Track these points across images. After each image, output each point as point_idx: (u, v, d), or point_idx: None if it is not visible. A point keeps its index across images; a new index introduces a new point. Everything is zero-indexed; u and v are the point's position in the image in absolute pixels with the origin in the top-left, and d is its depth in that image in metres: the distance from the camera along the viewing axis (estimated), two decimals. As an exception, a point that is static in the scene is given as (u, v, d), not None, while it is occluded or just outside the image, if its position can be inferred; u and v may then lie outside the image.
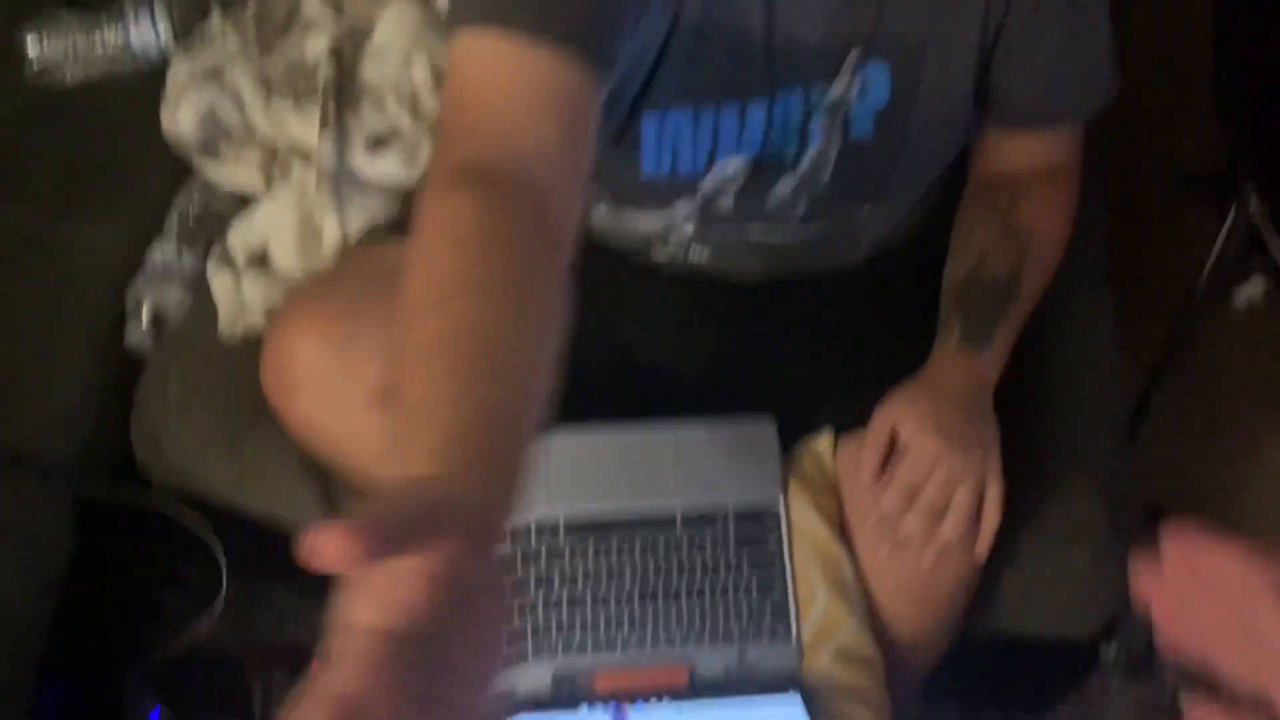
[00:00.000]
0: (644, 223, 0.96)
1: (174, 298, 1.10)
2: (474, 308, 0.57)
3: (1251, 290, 1.48)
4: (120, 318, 1.09)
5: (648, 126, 0.85)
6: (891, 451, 0.86)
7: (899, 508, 0.85)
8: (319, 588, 1.32)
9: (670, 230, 0.96)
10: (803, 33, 0.83)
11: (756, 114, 0.86)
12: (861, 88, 0.86)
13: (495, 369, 0.55)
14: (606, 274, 1.04)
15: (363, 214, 1.09)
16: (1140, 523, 1.41)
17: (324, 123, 1.08)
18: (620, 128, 0.85)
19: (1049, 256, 0.95)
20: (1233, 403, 1.57)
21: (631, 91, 0.83)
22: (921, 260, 1.00)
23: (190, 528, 1.09)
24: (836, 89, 0.86)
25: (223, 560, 1.12)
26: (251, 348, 0.99)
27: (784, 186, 0.91)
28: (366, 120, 1.11)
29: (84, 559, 1.07)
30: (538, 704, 0.86)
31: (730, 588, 0.89)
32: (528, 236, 0.62)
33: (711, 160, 0.88)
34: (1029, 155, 0.97)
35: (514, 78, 0.68)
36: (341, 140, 1.09)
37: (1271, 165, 1.28)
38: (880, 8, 0.82)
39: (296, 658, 1.27)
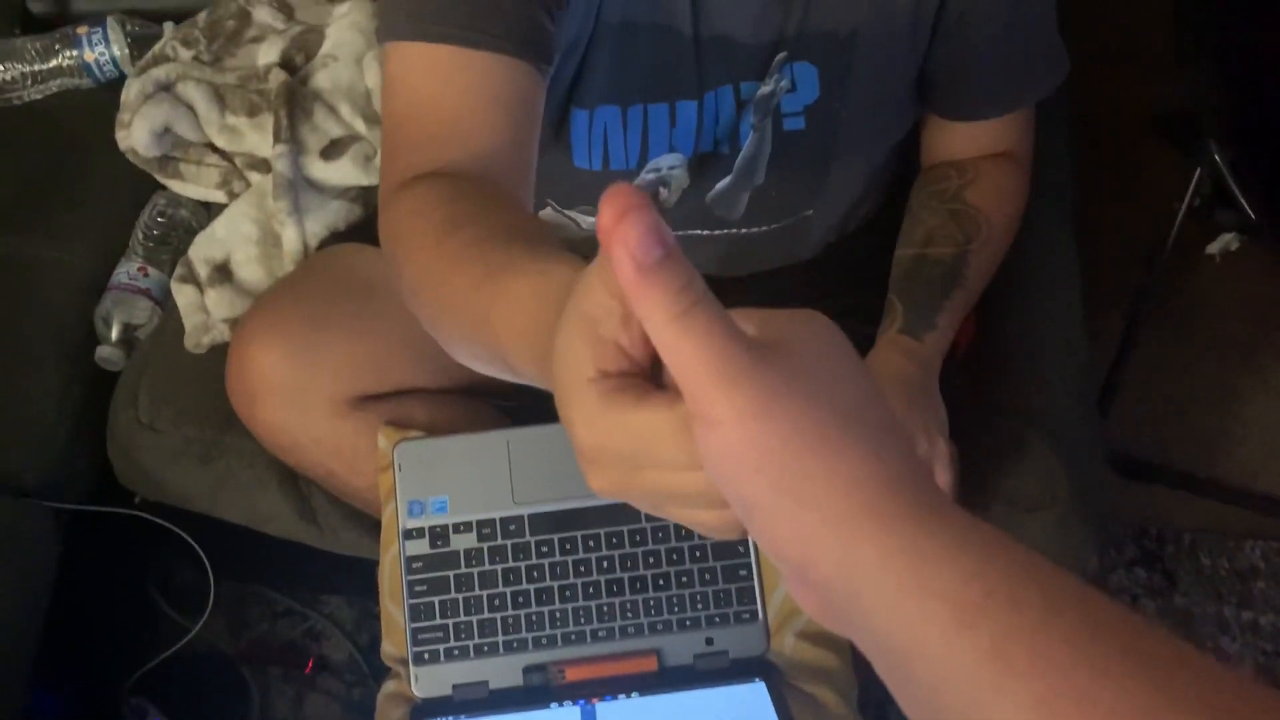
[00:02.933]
0: (588, 224, 0.96)
1: (141, 313, 1.11)
2: (482, 228, 0.59)
3: (1225, 238, 1.48)
4: (90, 334, 1.11)
5: (578, 122, 0.85)
6: None
7: None
8: (305, 585, 1.34)
9: None
10: (730, 32, 0.83)
11: (687, 112, 0.86)
12: (791, 83, 0.86)
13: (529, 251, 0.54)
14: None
15: (322, 221, 1.09)
16: (1117, 475, 1.43)
17: (277, 133, 1.09)
18: (553, 122, 0.86)
19: (998, 239, 0.95)
20: (1209, 353, 1.57)
21: (561, 88, 0.83)
22: (876, 245, 1.00)
23: (175, 534, 1.11)
24: (766, 86, 0.86)
25: (209, 565, 1.14)
26: (219, 358, 1.00)
27: (722, 184, 0.91)
28: (321, 127, 1.12)
29: (71, 571, 1.09)
30: (510, 698, 0.87)
31: (695, 573, 0.91)
32: (495, 198, 0.64)
33: (644, 157, 0.88)
34: (976, 140, 0.96)
35: (460, 85, 0.69)
36: (297, 148, 1.10)
37: (1234, 114, 1.27)
38: (806, 4, 0.82)
39: (290, 654, 1.29)
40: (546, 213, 0.98)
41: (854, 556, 0.32)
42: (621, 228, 0.34)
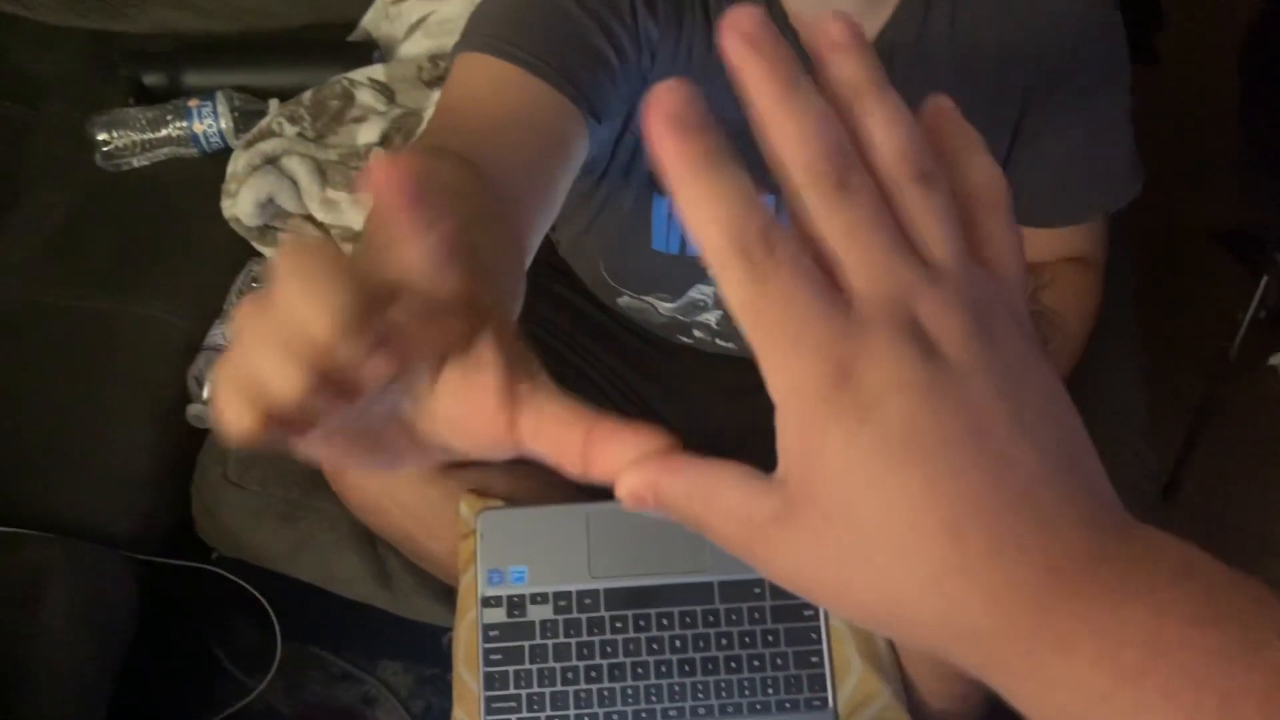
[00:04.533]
0: (665, 309, 0.99)
1: (233, 374, 1.15)
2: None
3: (1288, 351, 1.49)
4: (182, 393, 1.15)
5: (659, 208, 0.89)
6: None
7: None
8: (369, 653, 1.35)
9: (692, 311, 0.99)
10: None
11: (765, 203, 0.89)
12: None
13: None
14: (642, 351, 1.08)
15: (411, 292, 1.13)
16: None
17: (375, 207, 1.13)
18: (636, 208, 0.89)
19: (1074, 340, 0.97)
20: (1271, 461, 1.57)
21: (643, 173, 0.87)
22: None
23: (244, 592, 1.14)
24: None
25: (277, 625, 1.16)
26: (306, 422, 1.04)
27: None
28: (415, 203, 1.16)
29: (148, 622, 1.11)
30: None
31: (767, 658, 0.92)
32: (480, 191, 0.61)
33: None
34: (1053, 245, 0.98)
35: (506, 94, 0.73)
36: (391, 223, 1.14)
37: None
38: None
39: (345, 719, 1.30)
40: (624, 300, 1.01)
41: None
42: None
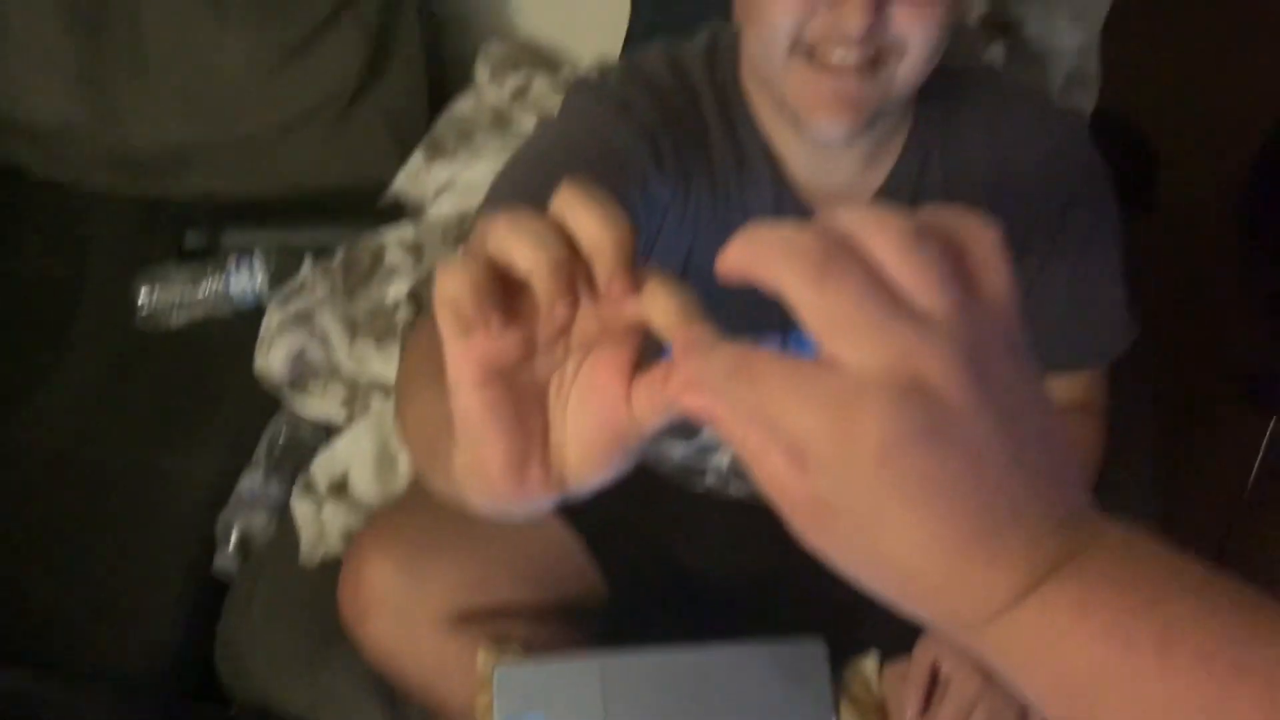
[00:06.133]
0: (677, 452, 1.02)
1: (259, 524, 1.18)
2: None
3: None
4: (210, 543, 1.17)
5: (666, 354, 0.92)
6: (934, 684, 0.89)
7: None
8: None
9: (704, 457, 1.01)
10: None
11: (770, 346, 0.92)
12: None
13: None
14: (659, 496, 1.10)
15: (435, 443, 1.17)
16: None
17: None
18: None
19: None
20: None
21: None
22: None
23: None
24: None
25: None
26: (330, 573, 1.06)
27: None
28: (439, 356, 1.21)
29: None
30: None
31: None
32: None
33: None
34: (1051, 394, 1.01)
35: None
36: (416, 376, 1.18)
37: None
38: None
39: None
40: None
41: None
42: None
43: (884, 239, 0.33)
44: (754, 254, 0.34)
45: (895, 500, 0.32)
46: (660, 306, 0.39)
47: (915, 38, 0.75)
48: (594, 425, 0.41)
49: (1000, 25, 1.40)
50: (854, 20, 0.71)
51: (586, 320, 0.40)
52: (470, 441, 0.40)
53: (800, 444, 0.32)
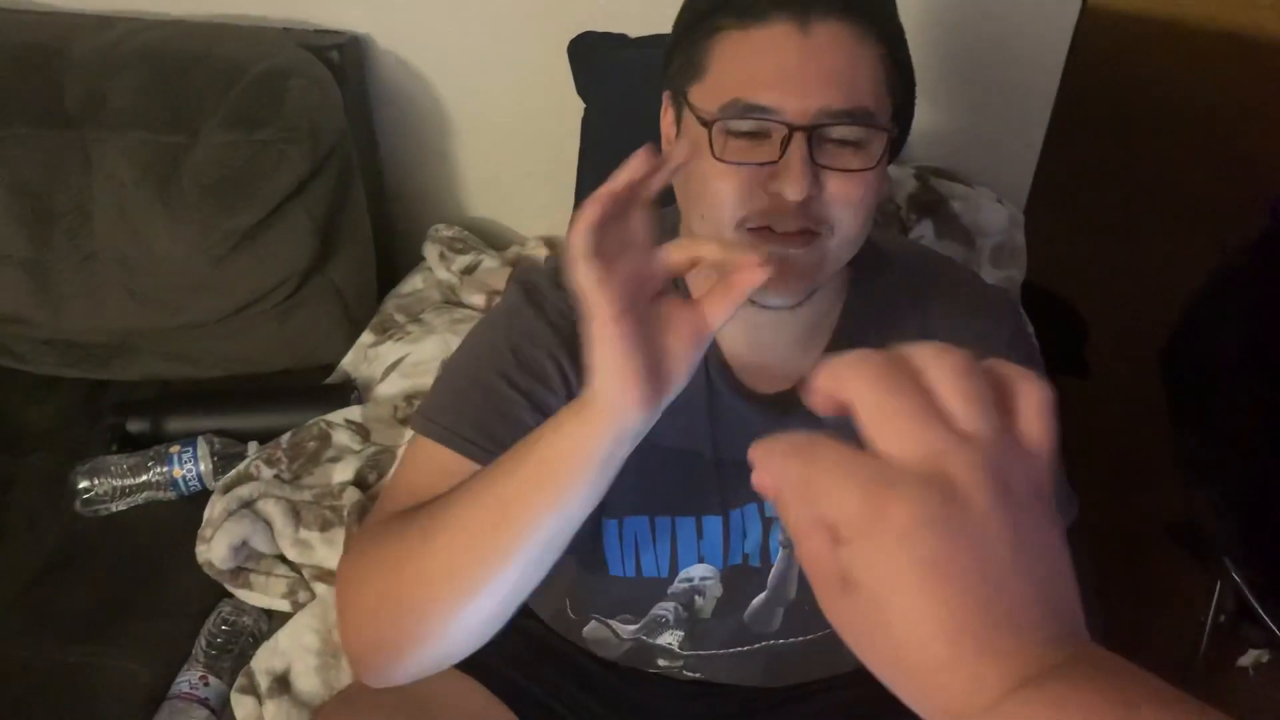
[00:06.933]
0: (628, 633, 1.00)
1: (196, 724, 1.13)
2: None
3: (1256, 653, 1.49)
4: (144, 747, 1.12)
5: (609, 532, 0.93)
6: None
7: None
8: None
9: (655, 630, 1.00)
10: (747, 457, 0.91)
11: (713, 526, 0.93)
12: None
13: None
14: (611, 677, 1.07)
15: (381, 631, 1.14)
16: None
17: (347, 548, 1.16)
18: (589, 533, 0.93)
19: None
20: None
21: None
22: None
23: None
24: None
25: None
26: (270, 776, 1.01)
27: (757, 601, 0.97)
28: (387, 541, 1.19)
29: None
30: None
31: None
32: None
33: (674, 565, 0.94)
34: None
35: (448, 481, 0.79)
36: (363, 562, 1.16)
37: (1245, 535, 1.33)
38: None
39: None
40: (591, 627, 1.03)
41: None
42: None
43: (942, 367, 0.38)
44: (834, 374, 0.39)
45: (908, 578, 0.36)
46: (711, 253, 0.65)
47: (845, 216, 0.79)
48: (685, 339, 0.66)
49: (928, 203, 1.47)
50: (792, 188, 0.76)
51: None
52: (611, 364, 0.63)
53: (838, 520, 0.37)
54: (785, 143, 0.76)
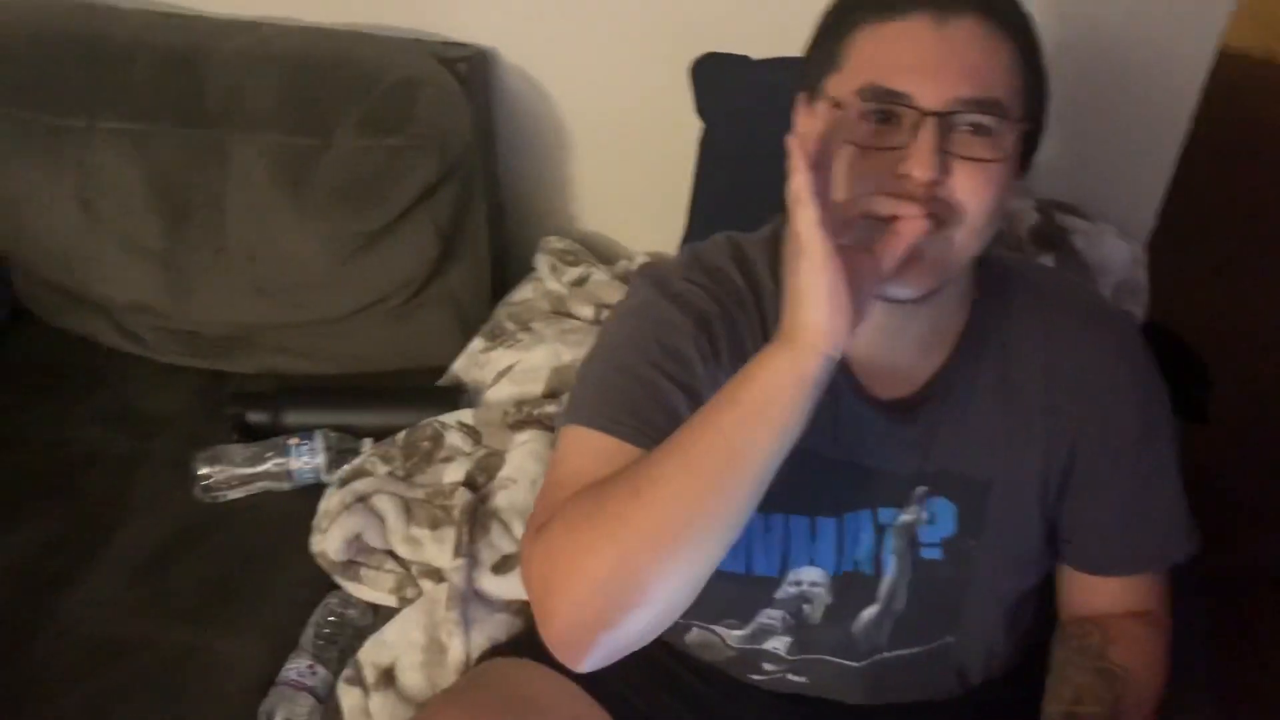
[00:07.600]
0: (734, 638, 1.00)
1: (302, 710, 1.15)
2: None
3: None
4: (252, 727, 1.14)
5: None
6: None
7: None
8: None
9: (761, 637, 0.99)
10: (868, 463, 0.92)
11: (827, 528, 0.94)
12: (930, 516, 0.93)
13: None
14: (710, 691, 1.07)
15: (486, 632, 1.15)
16: None
17: (458, 547, 1.18)
18: None
19: (1147, 701, 0.96)
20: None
21: None
22: (1023, 691, 1.01)
23: None
24: (905, 516, 0.94)
25: None
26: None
27: (868, 614, 0.96)
28: (495, 543, 1.21)
29: None
30: None
31: None
32: None
33: (785, 565, 0.94)
34: (1113, 598, 0.99)
35: (615, 467, 0.81)
36: (473, 562, 1.18)
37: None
38: (944, 448, 0.91)
39: None
40: (694, 634, 1.03)
41: None
42: None
43: None
44: None
45: None
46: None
47: (972, 205, 0.79)
48: (867, 280, 0.76)
49: (1049, 237, 1.45)
50: (920, 168, 0.77)
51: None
52: (824, 295, 0.73)
53: None
54: (916, 127, 0.77)
